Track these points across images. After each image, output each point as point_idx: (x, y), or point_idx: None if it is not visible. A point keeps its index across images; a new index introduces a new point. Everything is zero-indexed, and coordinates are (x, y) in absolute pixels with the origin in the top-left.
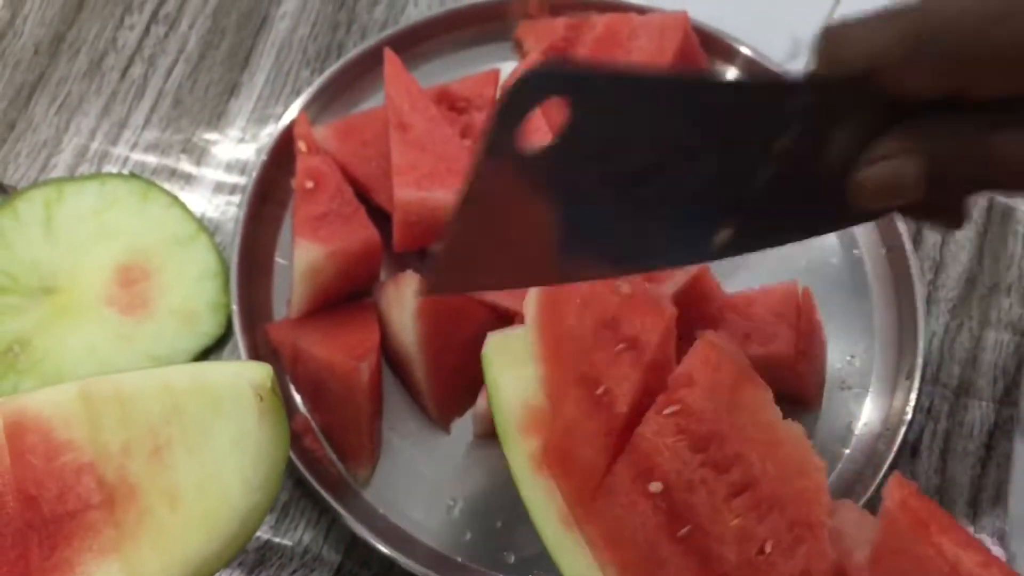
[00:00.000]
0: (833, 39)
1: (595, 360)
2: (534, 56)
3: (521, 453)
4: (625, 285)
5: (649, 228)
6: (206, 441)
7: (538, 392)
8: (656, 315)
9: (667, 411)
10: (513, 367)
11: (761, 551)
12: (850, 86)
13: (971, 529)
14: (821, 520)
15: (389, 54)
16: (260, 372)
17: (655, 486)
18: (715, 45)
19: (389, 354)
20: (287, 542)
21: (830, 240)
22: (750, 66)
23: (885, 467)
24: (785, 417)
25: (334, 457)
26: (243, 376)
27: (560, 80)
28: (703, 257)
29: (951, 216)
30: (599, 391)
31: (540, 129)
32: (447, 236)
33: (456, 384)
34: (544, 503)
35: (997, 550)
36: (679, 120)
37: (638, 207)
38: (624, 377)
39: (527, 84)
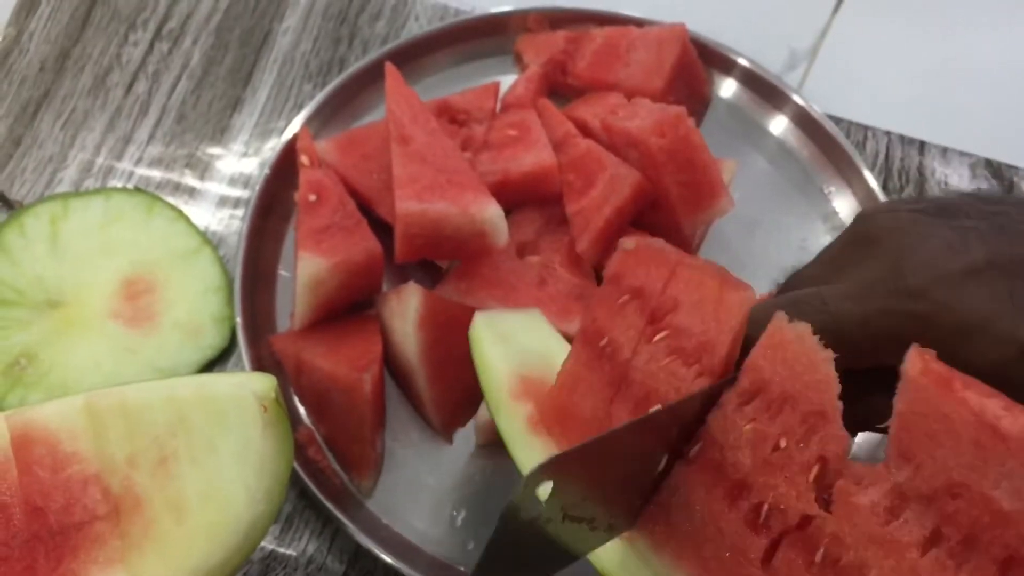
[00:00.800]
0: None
1: (598, 314)
2: (534, 69)
3: (516, 417)
4: (629, 241)
5: None
6: (211, 452)
7: (528, 365)
8: (659, 264)
9: (657, 338)
10: (501, 343)
11: (776, 447)
12: None
13: None
14: (833, 405)
15: (390, 68)
16: (264, 383)
17: (655, 410)
18: (713, 57)
19: (391, 365)
20: (291, 552)
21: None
22: (747, 77)
23: None
24: None
25: (338, 468)
26: (247, 387)
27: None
28: None
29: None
30: (602, 342)
31: None
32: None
33: (458, 394)
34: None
35: None
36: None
37: None
38: (629, 325)
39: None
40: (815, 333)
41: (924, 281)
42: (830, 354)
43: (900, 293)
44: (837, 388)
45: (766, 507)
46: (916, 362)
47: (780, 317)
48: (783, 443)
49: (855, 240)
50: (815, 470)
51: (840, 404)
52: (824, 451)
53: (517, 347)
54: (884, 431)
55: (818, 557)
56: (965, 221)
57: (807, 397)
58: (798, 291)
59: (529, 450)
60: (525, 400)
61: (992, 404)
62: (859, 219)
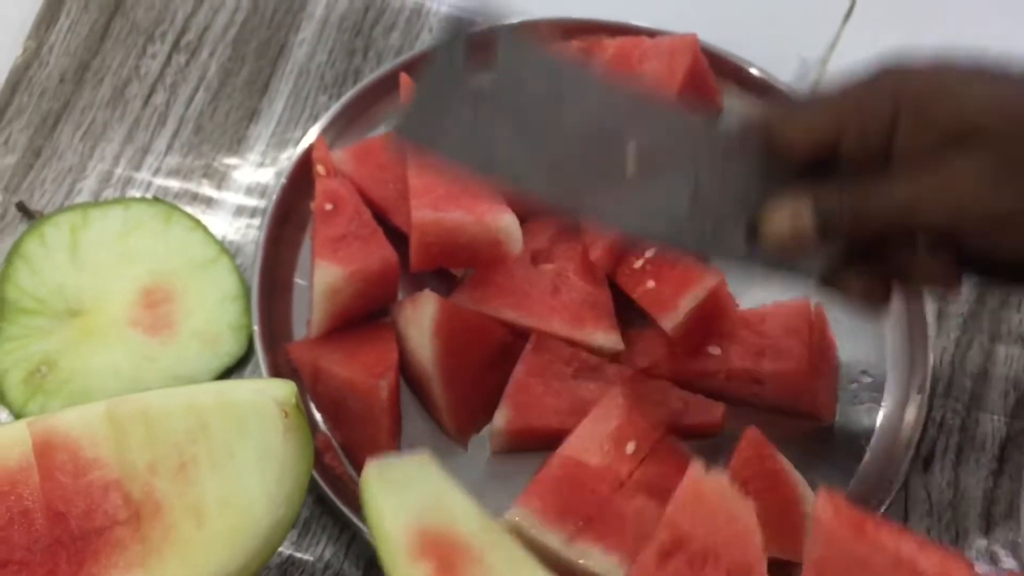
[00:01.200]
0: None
1: None
2: None
3: None
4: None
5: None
6: (231, 458)
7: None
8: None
9: None
10: (394, 493)
11: None
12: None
13: (984, 542)
14: (758, 557)
15: (405, 79)
16: (285, 389)
17: None
18: (724, 67)
19: (407, 372)
20: (308, 557)
21: None
22: (758, 86)
23: (898, 481)
24: (800, 432)
25: (354, 474)
26: (267, 393)
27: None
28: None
29: (881, 296)
30: None
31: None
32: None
33: (473, 401)
34: None
35: (1010, 562)
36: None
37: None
38: None
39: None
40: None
41: None
42: (750, 504)
43: None
44: (760, 539)
45: None
46: (827, 505)
47: (696, 468)
48: None
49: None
50: None
51: (764, 556)
52: None
53: (413, 498)
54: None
55: None
56: None
57: (731, 551)
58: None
59: None
60: (426, 559)
61: (907, 544)
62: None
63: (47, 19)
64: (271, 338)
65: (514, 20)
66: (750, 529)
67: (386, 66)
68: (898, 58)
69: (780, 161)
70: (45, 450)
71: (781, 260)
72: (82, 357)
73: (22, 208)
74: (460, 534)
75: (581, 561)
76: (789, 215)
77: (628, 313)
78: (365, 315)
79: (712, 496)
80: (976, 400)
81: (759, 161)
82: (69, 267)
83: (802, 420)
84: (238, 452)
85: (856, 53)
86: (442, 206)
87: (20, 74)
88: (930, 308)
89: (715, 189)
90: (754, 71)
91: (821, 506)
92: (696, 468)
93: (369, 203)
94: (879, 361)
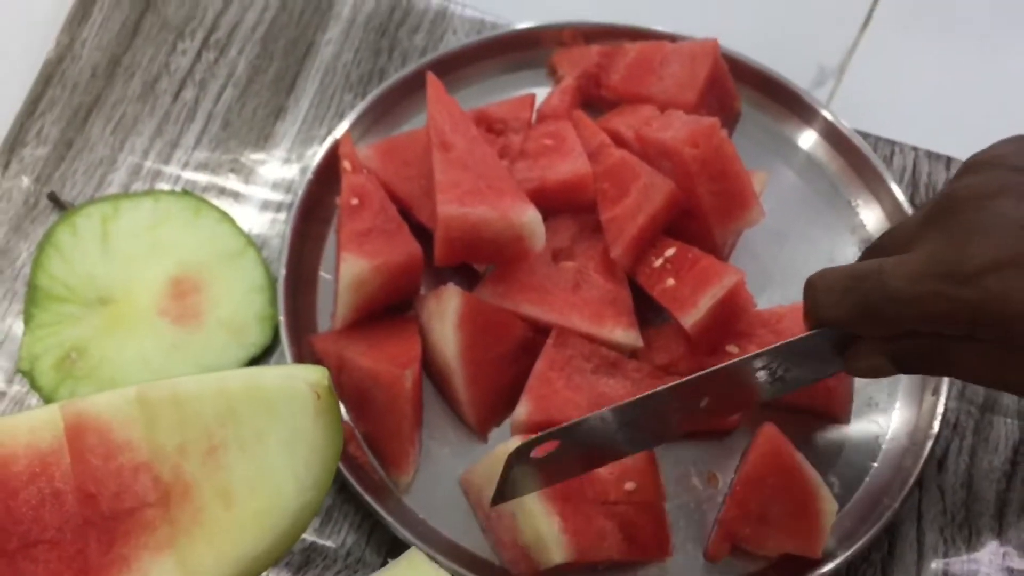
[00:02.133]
0: (808, 304)
1: None
2: (568, 81)
3: None
4: None
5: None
6: (260, 442)
7: None
8: None
9: None
10: None
11: None
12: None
13: (996, 543)
14: None
15: (431, 77)
16: (317, 373)
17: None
18: (744, 72)
19: (429, 365)
20: (331, 544)
21: (849, 255)
22: (777, 91)
23: (911, 481)
24: (815, 432)
25: (376, 464)
26: (299, 377)
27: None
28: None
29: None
30: None
31: None
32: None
33: (494, 394)
34: None
35: (1022, 562)
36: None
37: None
38: None
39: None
40: (867, 308)
41: (983, 264)
42: None
43: (955, 278)
44: None
45: None
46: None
47: None
48: None
49: (937, 207)
50: None
51: None
52: None
53: None
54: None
55: None
56: None
57: None
58: (865, 261)
59: None
60: None
61: None
62: (954, 178)
63: (80, 14)
64: (296, 329)
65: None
66: None
67: (411, 66)
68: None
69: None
70: (76, 433)
71: None
72: (111, 344)
73: (53, 199)
74: None
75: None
76: (869, 367)
77: (648, 311)
78: (388, 308)
79: None
80: (990, 403)
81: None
82: (99, 256)
83: (818, 420)
84: (267, 436)
85: (874, 60)
86: (467, 201)
87: (53, 68)
88: None
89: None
90: (772, 76)
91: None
92: None
93: (394, 199)
94: None
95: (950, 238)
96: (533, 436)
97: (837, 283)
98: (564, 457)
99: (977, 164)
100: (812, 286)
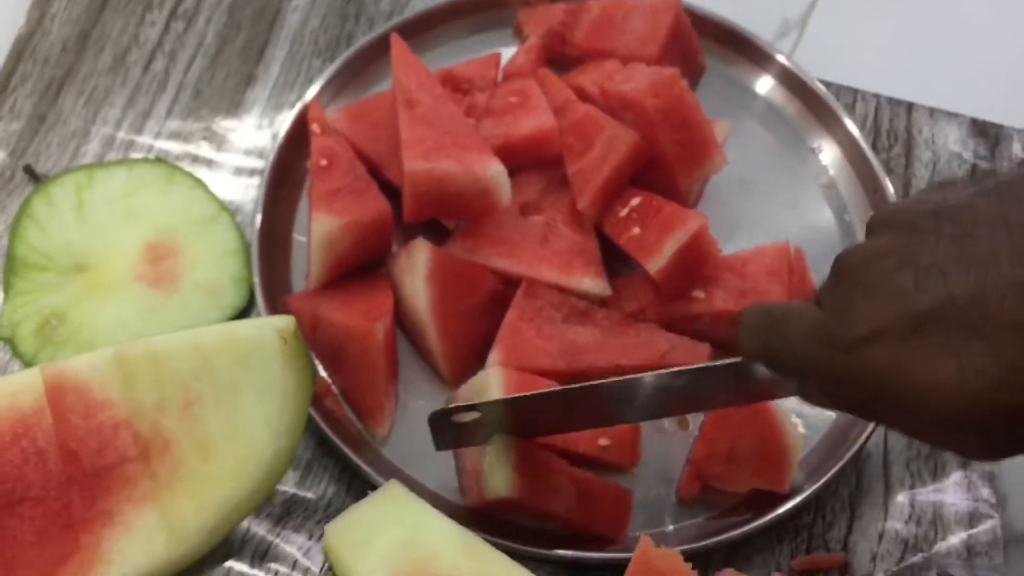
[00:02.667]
0: (735, 334)
1: None
2: (533, 40)
3: None
4: None
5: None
6: (234, 393)
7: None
8: None
9: None
10: (362, 549)
11: None
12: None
13: (961, 473)
14: None
15: (395, 38)
16: (284, 320)
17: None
18: (705, 26)
19: (402, 320)
20: (311, 495)
21: (820, 206)
22: (738, 43)
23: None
24: None
25: (354, 418)
26: (267, 325)
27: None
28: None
29: None
30: None
31: None
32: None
33: (467, 346)
34: None
35: (987, 491)
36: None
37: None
38: None
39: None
40: (771, 354)
41: (863, 333)
42: None
43: (838, 345)
44: None
45: None
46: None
47: (646, 541)
48: None
49: (836, 264)
50: None
51: None
52: None
53: (383, 545)
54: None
55: None
56: (937, 248)
57: None
58: (786, 303)
59: None
60: None
61: None
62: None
63: None
64: (271, 291)
65: None
66: None
67: (378, 30)
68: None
69: None
70: (57, 394)
71: None
72: (90, 310)
73: (29, 171)
74: (443, 567)
75: None
76: (814, 400)
77: (616, 262)
78: (361, 266)
79: (661, 567)
80: None
81: None
82: (75, 225)
83: None
84: (241, 386)
85: (836, 11)
86: (432, 157)
87: (24, 43)
88: None
89: None
90: (733, 29)
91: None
92: (646, 541)
93: (364, 160)
94: None
95: (838, 302)
96: (452, 405)
97: (756, 320)
98: (491, 425)
99: (873, 223)
100: (740, 317)
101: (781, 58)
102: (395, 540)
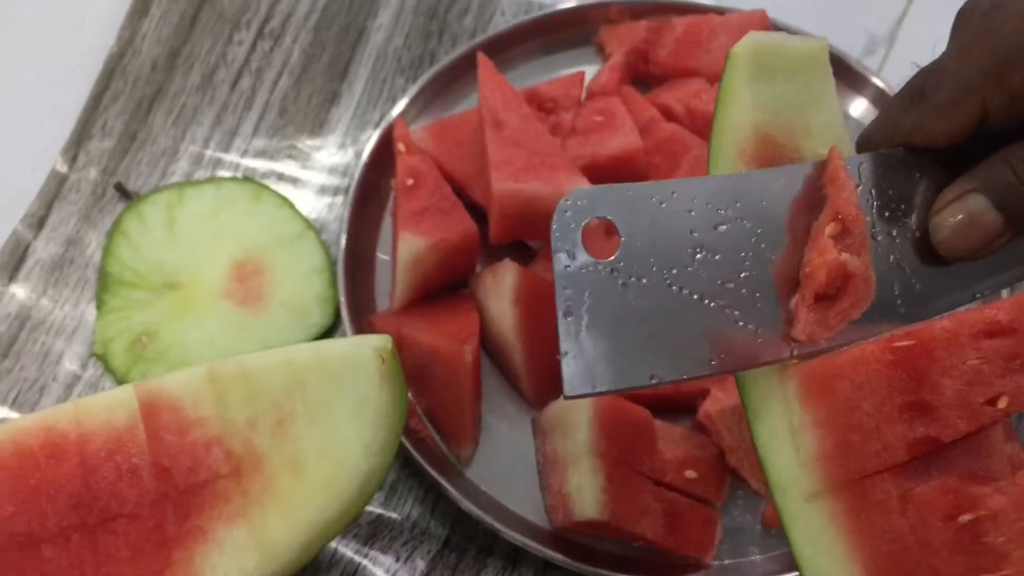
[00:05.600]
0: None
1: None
2: (617, 58)
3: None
4: None
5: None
6: (327, 411)
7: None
8: None
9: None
10: (756, 81)
11: (992, 402)
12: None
13: None
14: None
15: (482, 57)
16: (381, 339)
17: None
18: None
19: (487, 341)
20: (397, 516)
21: None
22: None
23: None
24: None
25: (438, 438)
26: (363, 345)
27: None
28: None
29: None
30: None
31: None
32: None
33: (551, 368)
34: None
35: None
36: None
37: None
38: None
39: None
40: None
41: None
42: None
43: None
44: None
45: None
46: None
47: None
48: (1002, 404)
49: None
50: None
51: None
52: None
53: (777, 93)
54: None
55: (963, 519)
56: None
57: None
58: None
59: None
60: (751, 165)
61: None
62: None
63: (139, 9)
64: (356, 309)
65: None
66: None
67: (461, 48)
68: (975, 3)
69: (923, 166)
70: (151, 411)
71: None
72: (180, 327)
73: (120, 189)
74: (804, 149)
75: None
76: (959, 208)
77: None
78: (445, 286)
79: None
80: None
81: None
82: (166, 243)
83: None
84: (334, 405)
85: (924, 27)
86: (521, 177)
87: (115, 63)
88: None
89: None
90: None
91: None
92: None
93: (448, 179)
94: None
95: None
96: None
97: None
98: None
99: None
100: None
101: (872, 77)
102: (792, 94)
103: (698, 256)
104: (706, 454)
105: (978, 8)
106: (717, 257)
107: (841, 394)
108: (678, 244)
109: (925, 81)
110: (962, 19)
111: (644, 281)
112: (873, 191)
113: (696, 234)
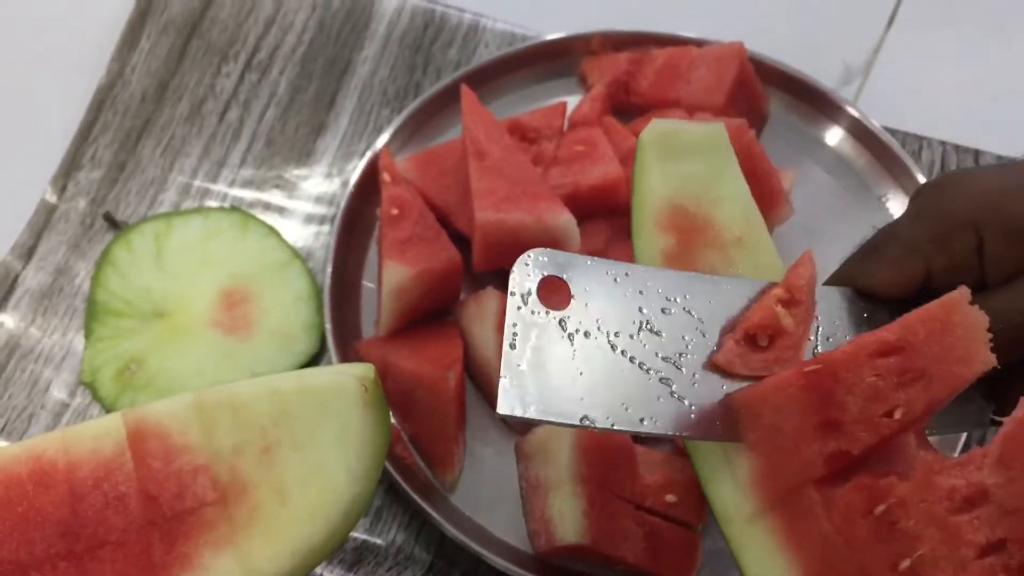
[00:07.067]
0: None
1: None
2: (598, 89)
3: (654, 246)
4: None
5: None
6: (312, 439)
7: (685, 192)
8: None
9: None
10: (665, 161)
11: (888, 414)
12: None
13: None
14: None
15: (465, 89)
16: (363, 368)
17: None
18: (771, 74)
19: (471, 367)
20: (381, 542)
21: None
22: (803, 91)
23: None
24: None
25: (423, 464)
26: (346, 373)
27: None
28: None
29: None
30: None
31: None
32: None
33: None
34: None
35: None
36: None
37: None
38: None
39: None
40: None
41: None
42: (990, 359)
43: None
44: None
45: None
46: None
47: (964, 294)
48: (898, 415)
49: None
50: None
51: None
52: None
53: (684, 170)
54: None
55: (878, 510)
56: None
57: (943, 385)
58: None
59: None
60: (668, 232)
61: None
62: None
63: (129, 41)
64: (342, 337)
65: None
66: (969, 378)
67: (445, 80)
68: (948, 176)
69: (872, 309)
70: (138, 439)
71: None
72: (167, 355)
73: (109, 218)
74: (715, 216)
75: None
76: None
77: None
78: (429, 314)
79: (959, 330)
80: None
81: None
82: (154, 271)
83: None
84: (319, 432)
85: (900, 57)
86: (503, 207)
87: (105, 94)
88: None
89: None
90: (799, 76)
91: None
92: (964, 293)
93: (432, 208)
94: None
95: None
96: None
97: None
98: None
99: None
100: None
101: (848, 107)
102: (697, 171)
103: (643, 331)
104: (686, 477)
105: (934, 183)
106: (662, 335)
107: (766, 419)
108: (626, 315)
109: (882, 238)
110: (920, 190)
111: (589, 337)
112: (819, 316)
113: (644, 311)
